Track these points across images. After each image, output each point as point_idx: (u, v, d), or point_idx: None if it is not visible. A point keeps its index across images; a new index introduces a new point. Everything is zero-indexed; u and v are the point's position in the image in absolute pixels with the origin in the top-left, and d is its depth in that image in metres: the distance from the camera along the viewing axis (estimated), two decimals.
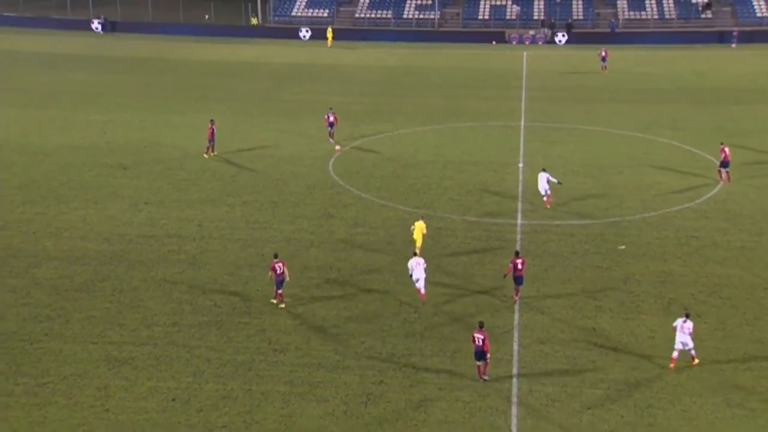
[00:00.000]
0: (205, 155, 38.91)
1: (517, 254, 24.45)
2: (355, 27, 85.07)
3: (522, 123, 46.17)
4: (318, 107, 50.98)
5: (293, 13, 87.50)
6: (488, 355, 20.26)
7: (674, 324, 21.19)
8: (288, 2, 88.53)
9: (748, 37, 76.31)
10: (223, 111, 49.69)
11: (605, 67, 65.14)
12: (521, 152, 39.97)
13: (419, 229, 27.44)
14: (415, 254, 25.54)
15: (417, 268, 24.27)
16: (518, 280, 24.13)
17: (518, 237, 29.21)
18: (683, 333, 20.91)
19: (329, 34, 77.71)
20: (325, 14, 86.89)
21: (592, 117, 47.51)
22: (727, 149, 34.95)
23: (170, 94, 54.46)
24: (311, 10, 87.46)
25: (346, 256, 27.68)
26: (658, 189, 34.32)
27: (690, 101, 51.39)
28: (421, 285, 24.21)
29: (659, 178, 35.77)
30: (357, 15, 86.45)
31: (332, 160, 38.80)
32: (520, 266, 24.01)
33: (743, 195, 33.25)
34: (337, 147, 40.08)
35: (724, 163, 34.72)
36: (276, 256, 24.37)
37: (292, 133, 44.06)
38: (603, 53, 66.83)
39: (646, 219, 30.88)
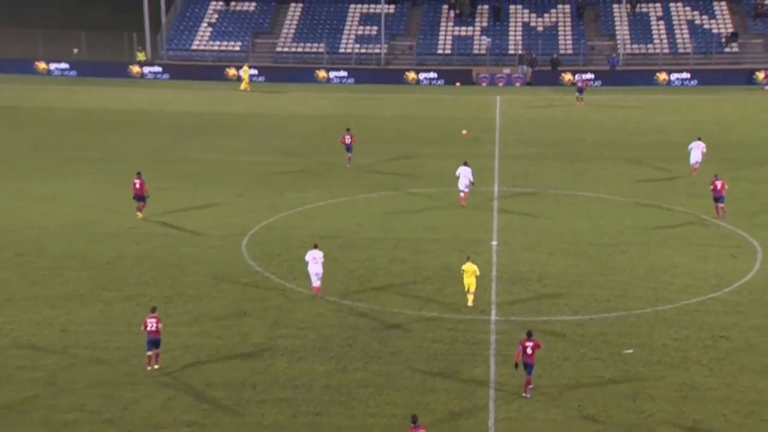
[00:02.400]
0: (139, 213, 41.28)
1: (529, 335, 25.71)
2: (276, 64, 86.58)
3: (495, 188, 46.99)
4: (230, 169, 51.29)
5: (193, 46, 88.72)
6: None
7: None
8: (186, 32, 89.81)
9: None
10: (100, 176, 49.53)
11: (582, 99, 67.90)
12: (494, 226, 40.55)
13: (470, 273, 31.19)
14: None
15: (313, 263, 31.46)
16: (528, 367, 25.44)
17: (492, 338, 29.35)
18: None
19: (245, 74, 78.80)
20: (237, 47, 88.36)
21: (587, 180, 48.67)
22: (718, 183, 40.53)
23: (25, 155, 54.17)
24: (217, 43, 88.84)
25: (265, 368, 27.41)
26: (675, 274, 35.05)
27: (713, 160, 52.98)
28: (317, 279, 31.52)
29: (676, 259, 36.59)
30: (279, 48, 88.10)
31: (246, 239, 38.83)
32: (530, 351, 25.34)
33: None
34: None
35: (718, 198, 40.63)
36: (153, 310, 27.46)
37: (193, 204, 44.03)
38: (579, 83, 69.64)
39: (659, 314, 31.39)
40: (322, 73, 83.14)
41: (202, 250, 37.52)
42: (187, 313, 31.22)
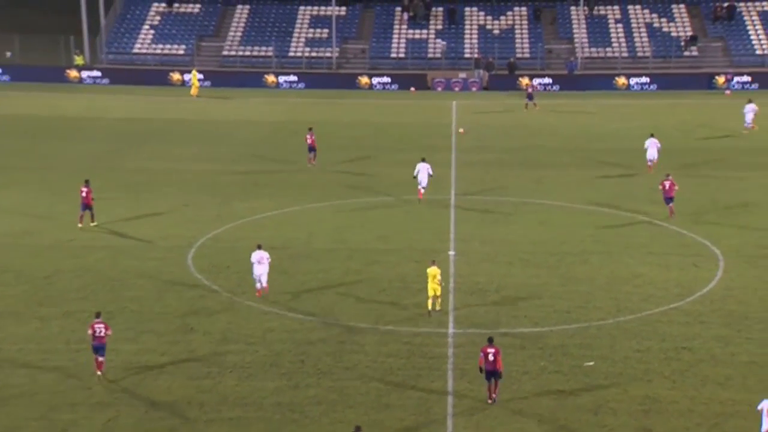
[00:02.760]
0: (80, 225, 41.12)
1: (490, 341, 26.26)
2: (223, 68, 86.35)
3: (452, 196, 47.24)
4: (175, 178, 50.99)
5: (135, 50, 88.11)
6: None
7: None
8: (127, 35, 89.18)
9: (745, 81, 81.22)
10: (36, 186, 48.96)
11: (535, 104, 68.64)
12: (452, 236, 40.75)
13: (433, 277, 31.63)
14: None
15: (258, 264, 33.28)
16: (490, 374, 25.94)
17: (450, 351, 29.46)
18: None
19: (194, 79, 78.42)
20: (181, 51, 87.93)
21: (546, 187, 49.12)
22: (667, 183, 42.77)
23: None
24: (160, 46, 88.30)
25: (212, 386, 27.25)
26: (637, 283, 35.47)
27: (675, 166, 53.85)
28: (263, 280, 33.46)
29: (637, 268, 37.04)
30: (225, 52, 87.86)
31: (192, 250, 38.62)
32: (492, 357, 25.82)
33: (749, 291, 34.67)
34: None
35: (668, 199, 42.66)
36: (98, 315, 27.89)
37: (136, 215, 43.71)
38: (529, 88, 70.27)
39: (621, 324, 31.74)
40: (271, 78, 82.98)
41: (146, 263, 37.24)
42: (130, 329, 30.94)
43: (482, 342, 27.50)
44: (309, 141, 53.53)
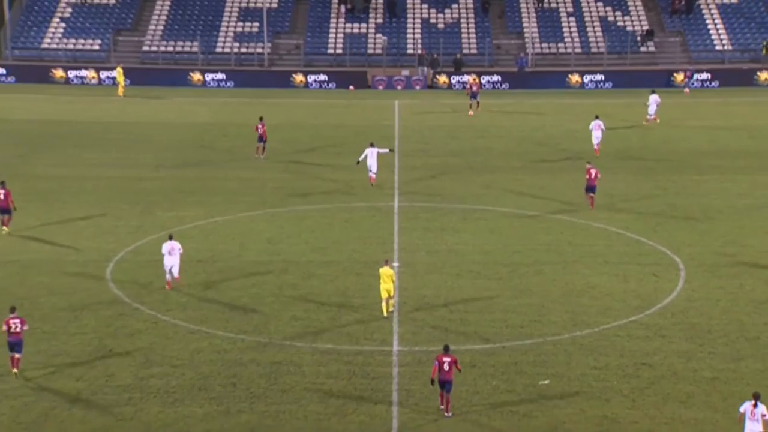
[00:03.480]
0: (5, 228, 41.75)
1: (446, 350, 27.01)
2: (143, 65, 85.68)
3: (395, 203, 47.37)
4: (90, 185, 50.47)
5: (44, 45, 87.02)
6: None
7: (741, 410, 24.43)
8: (35, 29, 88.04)
9: (705, 78, 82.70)
10: None
11: (478, 103, 68.96)
12: (395, 246, 40.86)
13: (387, 278, 32.86)
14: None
15: (169, 255, 35.39)
16: (445, 385, 26.56)
17: (394, 371, 29.51)
18: (753, 420, 24.28)
19: (119, 77, 77.20)
20: (96, 46, 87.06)
21: (495, 193, 49.48)
22: (593, 171, 45.46)
23: None
24: (72, 40, 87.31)
25: (134, 413, 26.99)
26: (593, 295, 35.87)
27: (632, 170, 54.67)
28: (175, 271, 35.45)
29: (594, 279, 37.47)
30: (146, 48, 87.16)
31: (111, 265, 38.24)
32: (447, 367, 26.48)
33: (712, 302, 35.24)
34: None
35: (590, 187, 45.56)
36: (13, 310, 29.14)
37: (47, 226, 43.13)
38: (472, 87, 70.57)
39: (577, 340, 32.06)
40: (196, 76, 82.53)
41: (58, 279, 36.79)
42: (41, 353, 30.49)
43: (429, 361, 27.59)
44: (260, 131, 55.81)
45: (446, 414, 26.71)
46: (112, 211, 45.71)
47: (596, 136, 57.02)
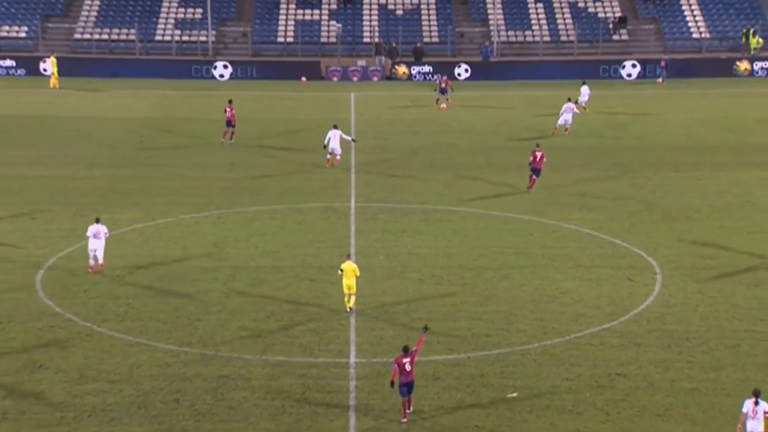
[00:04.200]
0: None
1: (405, 351, 27.26)
2: (75, 54, 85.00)
3: (352, 203, 47.37)
4: (17, 185, 50.01)
5: None
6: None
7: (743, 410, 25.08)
8: None
9: (681, 68, 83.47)
10: None
11: (447, 100, 69.32)
12: (352, 249, 40.80)
13: (350, 273, 33.88)
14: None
15: (94, 239, 37.13)
16: (408, 386, 26.98)
17: (352, 385, 29.46)
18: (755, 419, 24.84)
19: (53, 68, 76.53)
20: (23, 33, 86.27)
21: (459, 192, 49.62)
22: (538, 153, 48.53)
23: None
24: None
25: None
26: (564, 301, 36.00)
27: (605, 166, 55.03)
28: (99, 256, 37.26)
29: (564, 284, 37.63)
30: (78, 35, 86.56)
31: (41, 272, 37.92)
32: (408, 367, 26.92)
33: (690, 308, 35.47)
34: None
35: (535, 170, 48.75)
36: None
37: None
38: (441, 83, 70.96)
39: (547, 349, 32.19)
40: (134, 65, 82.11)
41: None
42: None
43: (389, 373, 27.59)
44: (228, 114, 58.14)
45: (403, 420, 26.93)
46: (42, 213, 45.32)
47: (565, 119, 60.79)
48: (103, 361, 30.80)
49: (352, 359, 31.18)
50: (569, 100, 61.62)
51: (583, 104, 67.52)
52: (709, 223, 44.76)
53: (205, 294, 36.14)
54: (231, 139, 58.28)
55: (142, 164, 54.71)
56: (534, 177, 49.00)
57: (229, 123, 58.01)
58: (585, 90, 68.24)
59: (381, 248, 40.97)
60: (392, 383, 27.24)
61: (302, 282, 37.26)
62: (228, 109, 58.13)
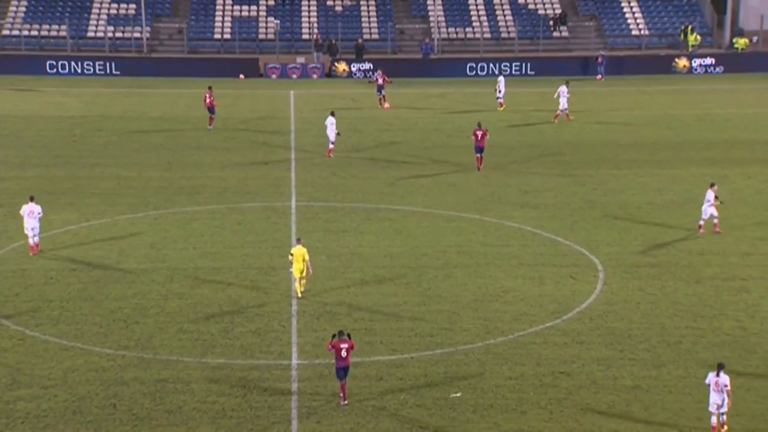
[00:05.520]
0: None
1: (341, 334, 28.35)
2: (3, 51, 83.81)
3: (292, 203, 47.26)
4: None
5: None
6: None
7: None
8: None
9: (619, 64, 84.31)
10: None
11: (383, 98, 69.14)
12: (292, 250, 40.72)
13: (299, 258, 34.82)
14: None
15: (29, 217, 38.69)
16: (344, 371, 28.00)
17: (293, 387, 29.42)
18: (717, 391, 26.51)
19: None
20: None
21: (401, 191, 49.70)
22: (479, 133, 51.96)
23: None
24: None
25: None
26: (507, 300, 36.21)
27: (546, 164, 55.37)
28: (35, 233, 38.84)
29: (507, 283, 37.84)
30: (6, 32, 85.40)
31: None
32: (344, 353, 27.95)
33: (632, 305, 35.86)
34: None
35: (479, 148, 52.02)
36: None
37: None
38: (378, 79, 70.58)
39: (491, 348, 32.33)
40: (64, 63, 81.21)
41: None
42: None
43: (331, 375, 27.58)
44: (208, 101, 60.64)
45: (343, 402, 27.89)
46: None
47: (563, 103, 64.18)
48: (37, 366, 30.49)
49: (294, 361, 31.11)
50: (567, 83, 65.30)
51: (500, 98, 68.81)
52: (649, 221, 45.20)
53: (143, 296, 35.87)
54: (210, 125, 61.07)
55: (74, 164, 54.14)
56: (479, 155, 52.27)
57: (211, 109, 60.61)
58: (502, 81, 69.42)
59: (323, 248, 40.88)
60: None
61: (242, 283, 37.10)
62: (207, 96, 60.57)
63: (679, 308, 35.43)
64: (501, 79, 69.48)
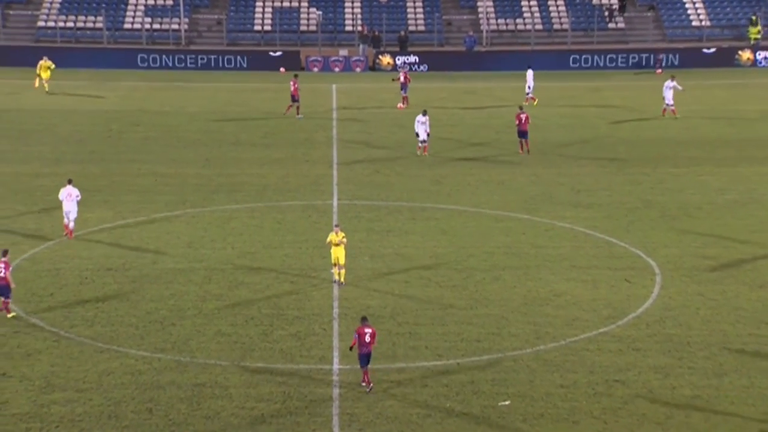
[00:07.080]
0: None
1: (364, 320, 29.30)
2: (38, 43, 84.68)
3: (334, 201, 47.36)
4: None
5: None
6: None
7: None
8: None
9: (681, 58, 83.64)
10: None
11: (406, 99, 68.33)
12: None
13: (337, 243, 35.94)
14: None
15: (68, 200, 40.65)
16: (366, 357, 28.89)
17: (334, 392, 29.44)
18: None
19: (44, 72, 72.36)
20: None
21: (448, 189, 49.66)
22: (523, 116, 53.75)
23: None
24: None
25: None
26: (558, 304, 36.07)
27: (601, 162, 55.12)
28: (72, 218, 40.72)
29: (559, 285, 37.69)
30: (41, 23, 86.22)
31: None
32: (368, 338, 28.81)
33: (691, 311, 35.57)
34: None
35: (522, 132, 54.14)
36: (5, 254, 33.84)
37: None
38: (401, 77, 69.85)
39: (541, 354, 32.22)
40: (102, 56, 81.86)
41: None
42: None
43: (374, 380, 27.52)
44: (292, 89, 63.10)
45: (368, 389, 28.93)
46: (3, 212, 45.18)
47: (669, 98, 64.56)
48: (71, 369, 30.70)
49: (335, 366, 31.14)
50: (672, 78, 65.67)
51: (530, 93, 68.73)
52: (710, 221, 44.89)
53: (180, 297, 36.06)
54: (298, 114, 63.06)
55: (110, 160, 54.55)
56: (522, 140, 54.63)
57: (294, 98, 62.62)
58: (530, 74, 69.26)
59: (365, 248, 40.94)
60: (351, 348, 29.43)
61: (282, 284, 37.20)
62: (292, 84, 62.89)
63: (741, 314, 35.12)
64: (530, 72, 69.03)
